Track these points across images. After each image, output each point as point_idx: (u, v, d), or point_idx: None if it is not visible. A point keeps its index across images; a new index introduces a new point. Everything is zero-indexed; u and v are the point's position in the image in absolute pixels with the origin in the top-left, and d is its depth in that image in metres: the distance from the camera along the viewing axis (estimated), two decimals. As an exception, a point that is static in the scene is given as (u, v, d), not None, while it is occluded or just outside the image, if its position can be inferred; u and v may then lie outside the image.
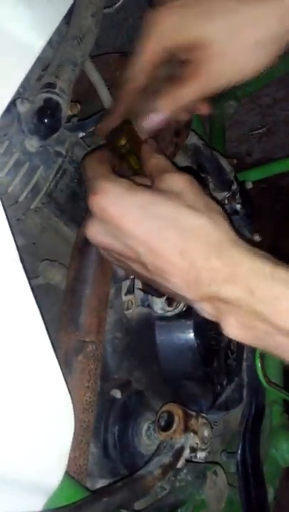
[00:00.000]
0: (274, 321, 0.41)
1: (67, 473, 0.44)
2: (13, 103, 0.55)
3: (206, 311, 0.45)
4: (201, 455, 0.57)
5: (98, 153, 0.55)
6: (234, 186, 0.79)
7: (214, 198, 0.50)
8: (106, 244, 0.49)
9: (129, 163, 0.55)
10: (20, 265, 0.43)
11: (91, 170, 0.52)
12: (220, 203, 0.54)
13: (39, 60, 0.60)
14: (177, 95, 0.54)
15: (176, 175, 0.48)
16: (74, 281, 0.57)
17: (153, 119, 0.56)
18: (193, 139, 0.74)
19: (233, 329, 0.44)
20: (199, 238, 0.44)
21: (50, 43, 0.60)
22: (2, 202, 0.43)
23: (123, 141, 0.54)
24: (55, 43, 0.61)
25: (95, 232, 0.49)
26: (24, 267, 0.44)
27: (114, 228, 0.47)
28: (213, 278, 0.43)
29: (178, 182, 0.47)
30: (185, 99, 0.54)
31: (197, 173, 0.74)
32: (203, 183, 0.72)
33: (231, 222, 0.47)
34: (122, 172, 0.55)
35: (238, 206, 0.80)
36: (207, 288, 0.43)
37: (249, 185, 0.86)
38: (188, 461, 0.57)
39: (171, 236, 0.44)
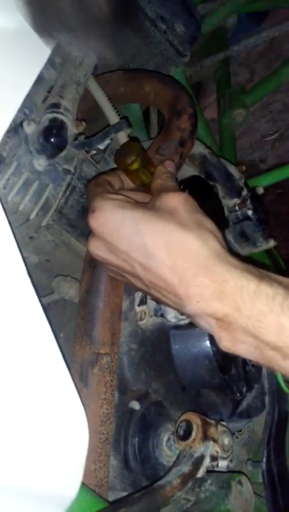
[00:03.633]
0: (261, 337, 0.42)
1: (84, 485, 0.44)
2: (20, 125, 0.57)
3: (200, 324, 0.46)
4: (222, 464, 0.56)
5: (96, 177, 0.58)
6: (244, 192, 0.78)
7: (218, 219, 0.51)
8: (105, 259, 0.52)
9: (141, 178, 0.57)
10: (30, 282, 0.44)
11: (90, 192, 0.55)
12: (218, 219, 0.55)
13: (43, 81, 0.62)
14: None
15: (172, 193, 0.50)
16: (86, 294, 0.57)
17: None
18: (199, 148, 0.74)
19: (226, 343, 0.45)
20: (188, 255, 0.45)
21: (52, 64, 0.62)
22: (9, 221, 0.44)
23: (133, 158, 0.55)
24: (58, 64, 0.63)
25: (94, 248, 0.52)
26: (34, 283, 0.45)
27: (110, 244, 0.49)
28: (201, 294, 0.44)
29: (172, 200, 0.49)
30: None
31: (205, 181, 0.74)
32: (207, 193, 0.72)
33: (224, 239, 0.48)
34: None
35: (250, 212, 0.80)
36: (196, 304, 0.44)
37: (260, 191, 0.85)
38: (211, 471, 0.57)
39: (161, 252, 0.46)
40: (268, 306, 0.41)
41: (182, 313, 0.58)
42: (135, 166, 0.55)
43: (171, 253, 0.45)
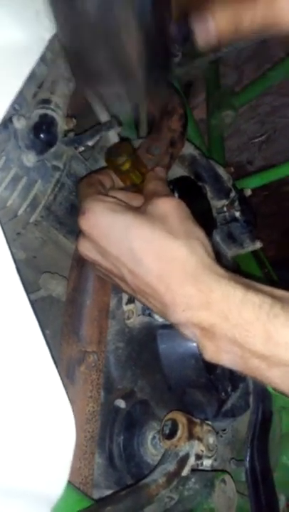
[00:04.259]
0: (247, 346, 0.42)
1: (70, 483, 0.44)
2: (9, 120, 0.57)
3: (185, 333, 0.46)
4: (207, 463, 0.56)
5: (88, 176, 0.58)
6: (232, 194, 0.79)
7: (206, 220, 0.50)
8: (94, 260, 0.52)
9: (132, 179, 0.58)
10: (18, 278, 0.43)
11: (81, 192, 0.54)
12: (207, 219, 0.54)
13: (34, 77, 0.61)
14: (240, 14, 0.48)
15: (164, 199, 0.49)
16: (74, 292, 0.57)
17: (209, 31, 0.49)
18: (189, 149, 0.74)
19: (211, 353, 0.45)
20: (175, 264, 0.45)
21: (43, 60, 0.62)
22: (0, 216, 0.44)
23: (124, 159, 0.55)
24: (49, 59, 0.63)
25: (84, 249, 0.52)
26: (22, 281, 0.44)
27: (99, 247, 0.49)
28: (187, 303, 0.44)
29: (164, 206, 0.48)
30: (246, 23, 0.48)
31: (194, 182, 0.75)
32: (196, 193, 0.72)
33: (213, 247, 0.48)
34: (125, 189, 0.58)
35: (238, 213, 0.80)
36: (182, 313, 0.44)
37: (248, 193, 0.86)
38: (195, 469, 0.57)
39: (149, 259, 0.45)
40: (255, 314, 0.41)
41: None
42: (126, 166, 0.56)
43: (159, 260, 0.45)
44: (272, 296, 0.42)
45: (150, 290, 0.46)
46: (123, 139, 0.68)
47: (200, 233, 0.48)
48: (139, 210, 0.50)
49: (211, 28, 0.48)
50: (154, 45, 0.45)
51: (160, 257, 0.45)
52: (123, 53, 0.44)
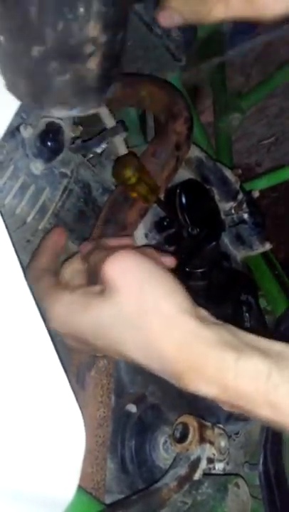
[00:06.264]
0: (255, 413, 0.41)
1: (82, 488, 0.44)
2: (17, 129, 0.58)
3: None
4: (219, 466, 0.56)
5: (32, 268, 0.55)
6: (240, 196, 0.79)
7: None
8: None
9: (139, 192, 0.58)
10: (26, 285, 0.44)
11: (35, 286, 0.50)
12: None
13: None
14: (203, 12, 0.50)
15: (108, 276, 0.45)
16: (82, 297, 0.57)
17: (170, 20, 0.53)
18: (195, 152, 0.75)
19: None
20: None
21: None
22: (6, 223, 0.44)
23: (130, 172, 0.56)
24: (55, 68, 0.63)
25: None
26: (31, 287, 0.45)
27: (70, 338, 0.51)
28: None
29: (113, 284, 0.45)
30: (210, 19, 0.51)
31: (201, 185, 0.75)
32: (203, 196, 0.72)
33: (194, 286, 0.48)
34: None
35: (246, 215, 0.80)
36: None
37: (256, 194, 0.86)
38: (208, 474, 0.57)
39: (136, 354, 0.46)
40: (253, 386, 0.39)
41: None
42: (133, 179, 0.57)
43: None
44: (269, 356, 0.40)
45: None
46: (129, 153, 0.68)
47: (165, 299, 0.44)
48: (99, 298, 0.46)
49: (173, 22, 0.52)
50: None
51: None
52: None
